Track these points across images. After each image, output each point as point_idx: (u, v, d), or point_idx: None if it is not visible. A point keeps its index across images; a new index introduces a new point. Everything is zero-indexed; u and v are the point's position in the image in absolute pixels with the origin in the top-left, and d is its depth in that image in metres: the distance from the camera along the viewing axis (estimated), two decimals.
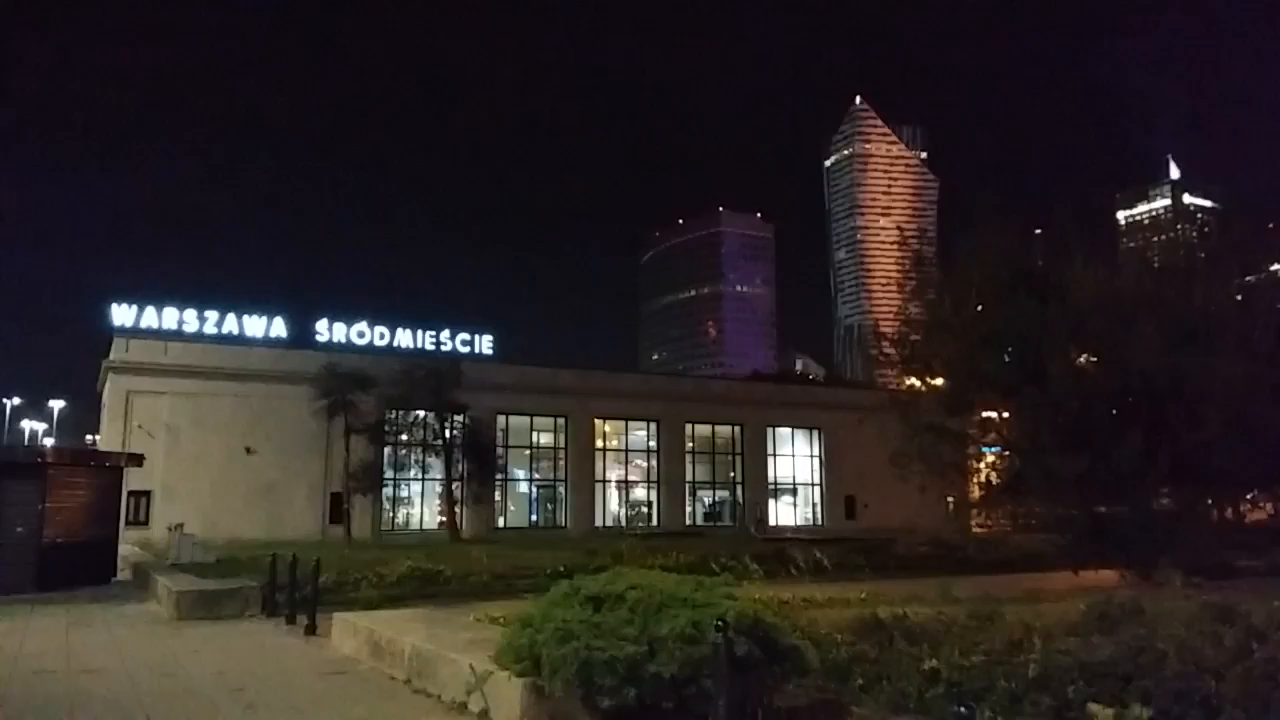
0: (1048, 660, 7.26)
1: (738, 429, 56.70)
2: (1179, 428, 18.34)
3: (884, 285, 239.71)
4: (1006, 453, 22.98)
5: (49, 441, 78.46)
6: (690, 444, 55.63)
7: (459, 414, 43.40)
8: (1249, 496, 23.74)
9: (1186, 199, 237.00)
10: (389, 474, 45.16)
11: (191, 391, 42.80)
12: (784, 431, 58.44)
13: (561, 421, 52.32)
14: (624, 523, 52.00)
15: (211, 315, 45.59)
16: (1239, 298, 22.16)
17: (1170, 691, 6.27)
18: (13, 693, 9.63)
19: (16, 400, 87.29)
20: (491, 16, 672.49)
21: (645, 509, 54.77)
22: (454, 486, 43.94)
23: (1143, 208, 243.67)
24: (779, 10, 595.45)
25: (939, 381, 23.23)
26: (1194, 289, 20.21)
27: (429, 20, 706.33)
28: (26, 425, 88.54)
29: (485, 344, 51.55)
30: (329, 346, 46.78)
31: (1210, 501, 22.16)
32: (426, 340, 49.79)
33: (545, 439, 53.03)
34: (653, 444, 54.86)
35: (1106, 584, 17.61)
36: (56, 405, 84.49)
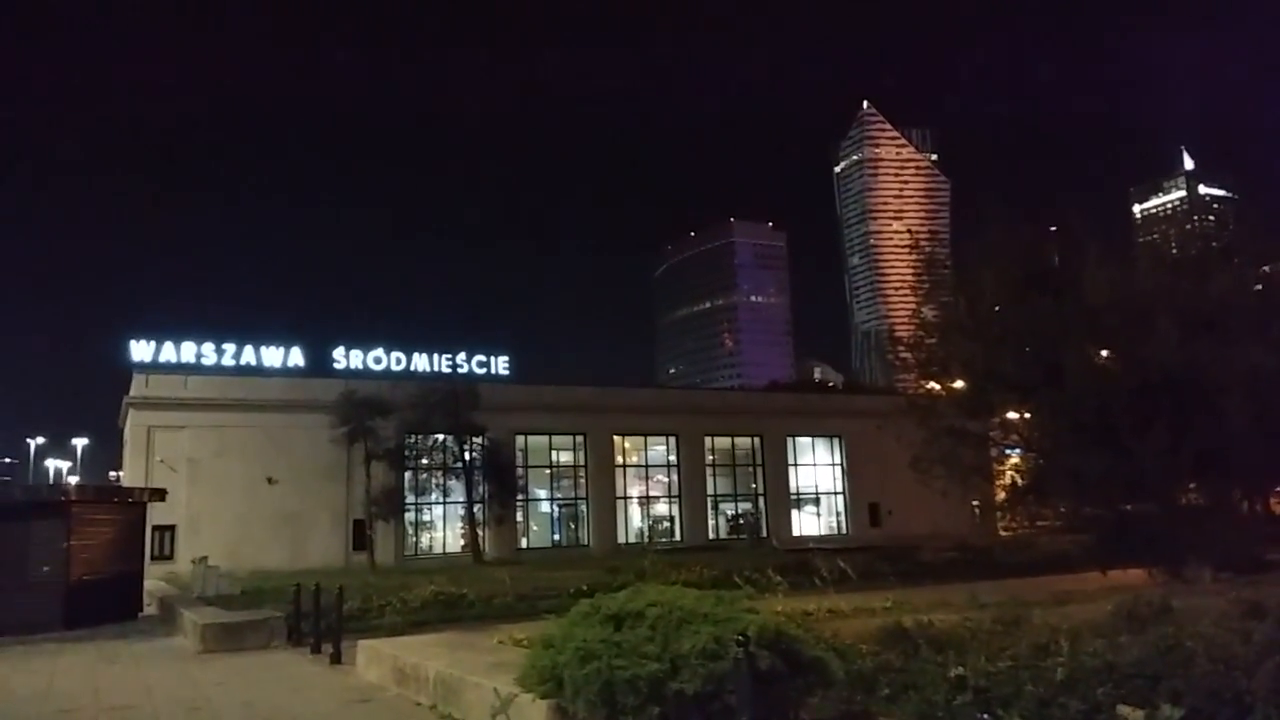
0: (1075, 663, 7.18)
1: (758, 440, 56.48)
2: (1202, 422, 18.15)
3: (899, 289, 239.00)
4: (1029, 454, 22.84)
5: (73, 479, 79.19)
6: (711, 457, 55.45)
7: (477, 436, 43.43)
8: (1278, 489, 23.49)
9: (1201, 189, 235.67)
10: (410, 499, 45.20)
11: (212, 424, 43.10)
12: (804, 441, 58.18)
13: (580, 439, 52.31)
14: (646, 539, 51.83)
15: (229, 347, 45.92)
16: (1258, 287, 21.99)
17: (1200, 690, 6.19)
18: None
19: (41, 439, 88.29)
20: (498, 35, 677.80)
21: (667, 524, 54.60)
22: (475, 509, 43.97)
23: (1157, 200, 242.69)
24: (782, 17, 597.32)
25: (958, 384, 23.12)
26: (1211, 280, 20.04)
27: (436, 39, 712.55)
28: (51, 464, 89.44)
29: (501, 365, 51.68)
30: (346, 373, 46.97)
31: (1238, 495, 21.93)
32: (442, 363, 49.93)
33: (565, 457, 53.01)
34: (672, 458, 54.71)
35: (1135, 583, 17.42)
36: (80, 443, 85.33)
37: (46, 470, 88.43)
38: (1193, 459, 18.33)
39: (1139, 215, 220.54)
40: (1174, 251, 26.03)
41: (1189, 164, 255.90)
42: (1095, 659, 7.17)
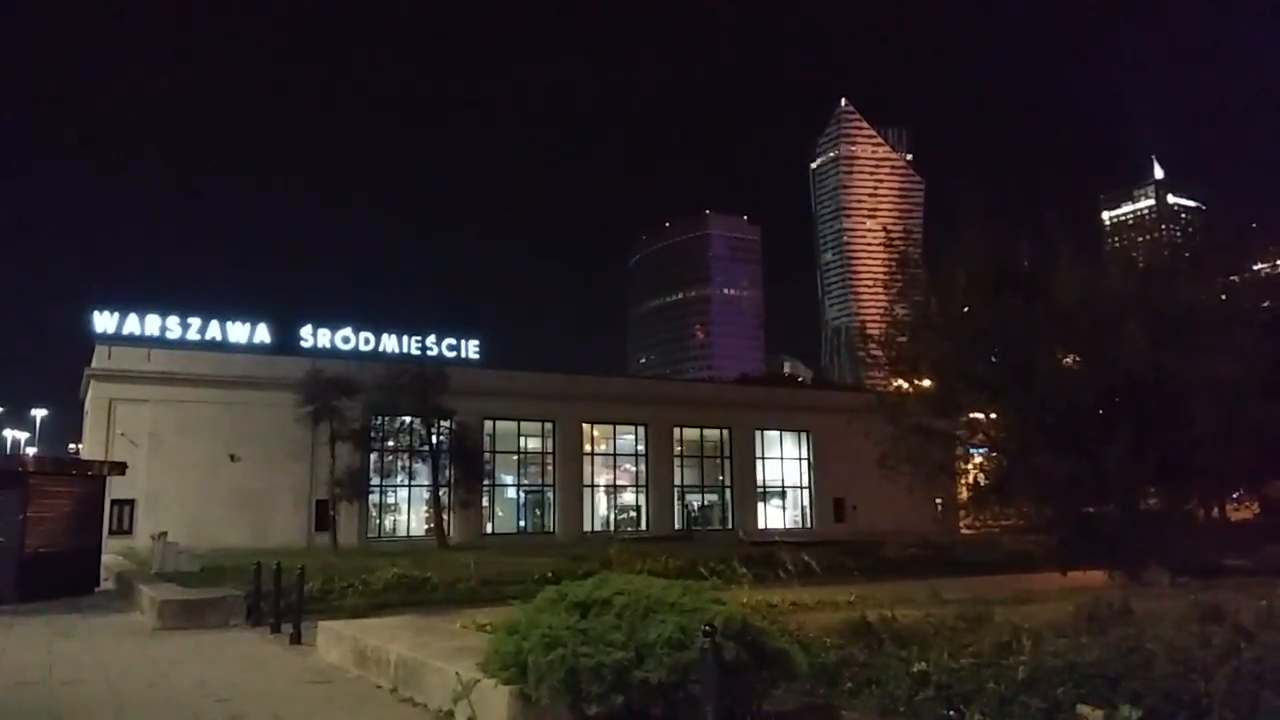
0: (1037, 662, 7.22)
1: (726, 432, 56.68)
2: (1165, 427, 18.40)
3: (871, 287, 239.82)
4: (994, 454, 23.04)
5: (31, 450, 77.82)
6: (678, 448, 55.58)
7: (445, 419, 43.13)
8: (1235, 495, 23.88)
9: (1171, 199, 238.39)
10: (375, 480, 44.91)
11: (175, 399, 42.51)
12: (772, 434, 58.46)
13: (549, 426, 52.20)
14: (613, 527, 51.87)
15: (194, 322, 45.31)
16: (1223, 296, 22.28)
17: (1159, 692, 6.25)
18: None
19: None
20: (476, 20, 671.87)
21: (634, 513, 54.68)
22: (441, 492, 43.73)
23: (1127, 208, 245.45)
24: (762, 12, 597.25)
25: (926, 383, 23.27)
26: (1179, 288, 20.28)
27: (413, 23, 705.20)
28: (9, 434, 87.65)
29: (472, 349, 51.40)
30: (313, 352, 46.51)
31: (1197, 501, 22.25)
32: (412, 345, 49.58)
33: (533, 444, 52.90)
34: (641, 448, 54.77)
35: (1095, 584, 17.63)
36: (39, 414, 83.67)
37: (4, 440, 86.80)
38: (1155, 464, 18.56)
39: (1108, 222, 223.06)
40: (1141, 260, 26.30)
41: (1159, 173, 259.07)
42: (1056, 658, 7.21)
